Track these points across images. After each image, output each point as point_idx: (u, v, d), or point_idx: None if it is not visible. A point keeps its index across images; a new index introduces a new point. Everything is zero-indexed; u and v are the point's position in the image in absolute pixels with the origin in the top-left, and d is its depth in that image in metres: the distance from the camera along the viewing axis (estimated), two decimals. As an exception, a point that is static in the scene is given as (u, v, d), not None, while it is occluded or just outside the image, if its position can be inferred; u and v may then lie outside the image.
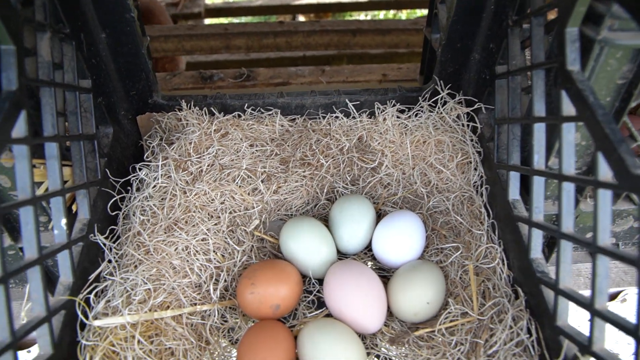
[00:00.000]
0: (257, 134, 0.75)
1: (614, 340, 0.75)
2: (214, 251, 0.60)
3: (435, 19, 0.76)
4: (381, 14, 2.81)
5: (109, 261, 0.58)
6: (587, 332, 0.42)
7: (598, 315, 0.40)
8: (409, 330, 0.57)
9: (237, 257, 0.61)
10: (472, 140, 0.71)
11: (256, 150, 0.73)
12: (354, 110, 0.78)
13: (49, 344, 0.44)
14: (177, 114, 0.75)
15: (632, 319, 0.37)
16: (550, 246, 0.66)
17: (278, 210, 0.70)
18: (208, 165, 0.69)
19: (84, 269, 0.54)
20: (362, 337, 0.56)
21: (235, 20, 2.60)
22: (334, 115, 0.78)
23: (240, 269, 0.61)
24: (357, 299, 0.54)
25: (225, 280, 0.59)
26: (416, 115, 0.76)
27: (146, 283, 0.55)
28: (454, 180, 0.69)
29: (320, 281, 0.61)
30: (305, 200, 0.71)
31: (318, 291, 0.61)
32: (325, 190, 0.71)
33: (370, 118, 0.77)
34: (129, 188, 0.67)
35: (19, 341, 0.38)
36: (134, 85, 0.72)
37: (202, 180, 0.67)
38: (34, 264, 0.43)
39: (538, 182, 0.52)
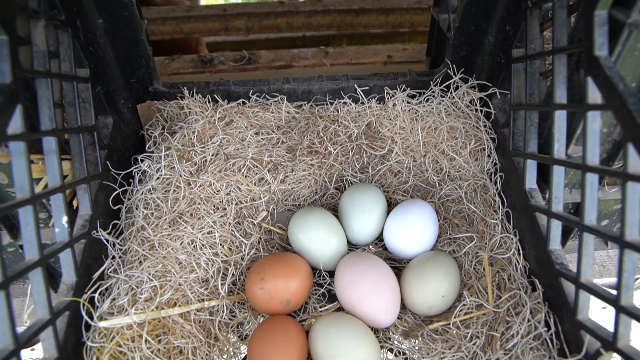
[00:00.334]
0: (263, 121, 0.73)
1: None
2: (220, 244, 0.59)
3: (443, -1, 0.73)
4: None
5: (113, 258, 0.56)
6: (603, 324, 0.41)
7: (624, 312, 0.39)
8: (423, 324, 0.56)
9: (244, 251, 0.59)
10: (485, 126, 0.69)
11: (262, 139, 0.70)
12: (363, 96, 0.75)
13: (53, 347, 0.42)
14: (179, 102, 0.72)
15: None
16: (564, 234, 0.64)
17: (285, 201, 0.68)
18: (212, 155, 0.67)
19: (87, 266, 0.52)
20: (375, 330, 0.55)
21: (234, 0, 2.54)
22: (342, 101, 0.76)
23: (249, 263, 0.59)
24: (371, 293, 0.53)
25: (233, 275, 0.58)
26: (427, 101, 0.74)
27: (152, 280, 0.53)
28: (467, 167, 0.67)
29: (331, 274, 0.60)
30: (313, 189, 0.69)
31: (329, 284, 0.60)
32: (333, 179, 0.69)
33: (379, 103, 0.75)
34: (130, 180, 0.65)
35: (23, 348, 0.37)
36: (133, 72, 0.69)
37: (207, 170, 0.64)
38: (36, 265, 0.41)
39: (558, 172, 0.50)
